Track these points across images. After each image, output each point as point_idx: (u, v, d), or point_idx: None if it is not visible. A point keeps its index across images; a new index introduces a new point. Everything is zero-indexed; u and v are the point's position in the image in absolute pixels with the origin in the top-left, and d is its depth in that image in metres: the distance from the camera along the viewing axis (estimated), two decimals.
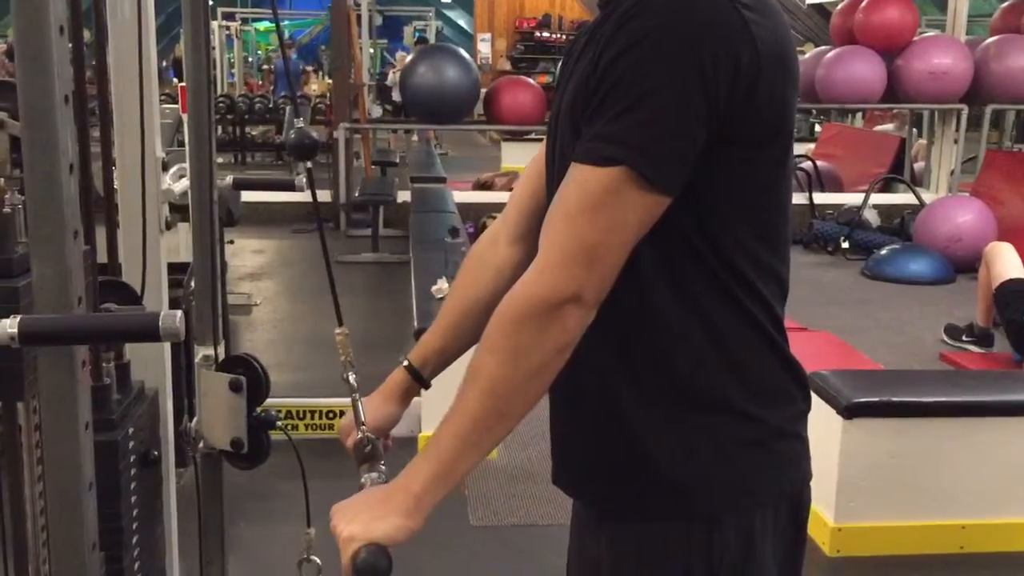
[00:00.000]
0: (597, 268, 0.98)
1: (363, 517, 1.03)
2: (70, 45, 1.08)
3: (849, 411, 2.89)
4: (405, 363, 1.31)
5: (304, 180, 2.57)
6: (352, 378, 1.27)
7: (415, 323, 3.87)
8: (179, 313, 0.98)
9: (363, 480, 1.17)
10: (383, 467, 1.20)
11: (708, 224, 1.03)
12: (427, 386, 1.33)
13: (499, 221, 1.32)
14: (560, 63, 1.23)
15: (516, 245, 1.28)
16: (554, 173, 1.11)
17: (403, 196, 7.68)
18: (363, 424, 1.25)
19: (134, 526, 1.64)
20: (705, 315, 1.05)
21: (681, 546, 1.07)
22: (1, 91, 1.37)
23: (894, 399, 2.97)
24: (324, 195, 7.90)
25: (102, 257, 1.78)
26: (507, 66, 17.78)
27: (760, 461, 1.09)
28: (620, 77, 0.96)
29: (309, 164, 1.37)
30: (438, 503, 1.05)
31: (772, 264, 1.08)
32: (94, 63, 1.90)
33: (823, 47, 8.91)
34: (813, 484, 1.16)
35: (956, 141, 8.21)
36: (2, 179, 1.33)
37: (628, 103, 0.96)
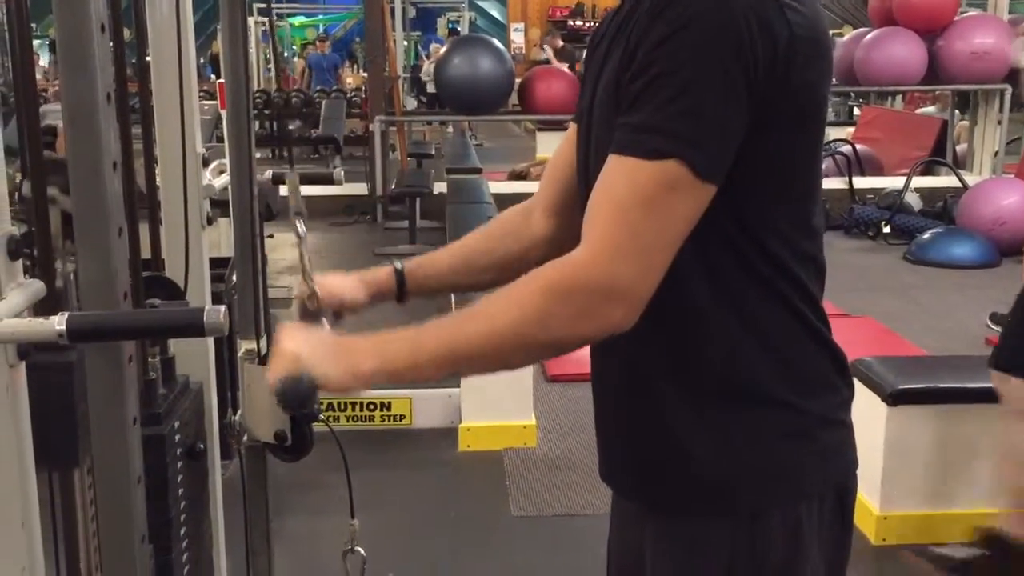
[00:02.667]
0: (651, 271, 0.96)
1: (316, 349, 1.02)
2: (111, 44, 1.09)
3: (893, 398, 2.85)
4: (397, 265, 1.27)
5: (342, 173, 2.59)
6: (300, 226, 1.21)
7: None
8: (223, 308, 0.99)
9: None
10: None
11: (742, 211, 1.01)
12: (400, 299, 1.27)
13: (534, 198, 1.32)
14: (587, 51, 1.22)
15: (551, 219, 1.27)
16: (589, 168, 1.09)
17: (439, 187, 7.70)
18: (311, 277, 1.19)
19: (182, 518, 1.66)
20: (742, 304, 1.04)
21: (725, 542, 1.06)
22: (52, 168, 1.41)
23: (939, 385, 2.93)
24: (361, 188, 7.95)
25: (146, 253, 1.80)
26: (541, 55, 17.72)
27: (804, 451, 1.08)
28: (662, 67, 0.95)
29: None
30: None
31: (807, 248, 1.07)
32: (134, 61, 1.92)
33: (862, 29, 8.78)
34: (858, 472, 1.15)
35: (999, 122, 8.06)
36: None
37: (672, 93, 0.94)
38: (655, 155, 0.95)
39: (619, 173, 0.97)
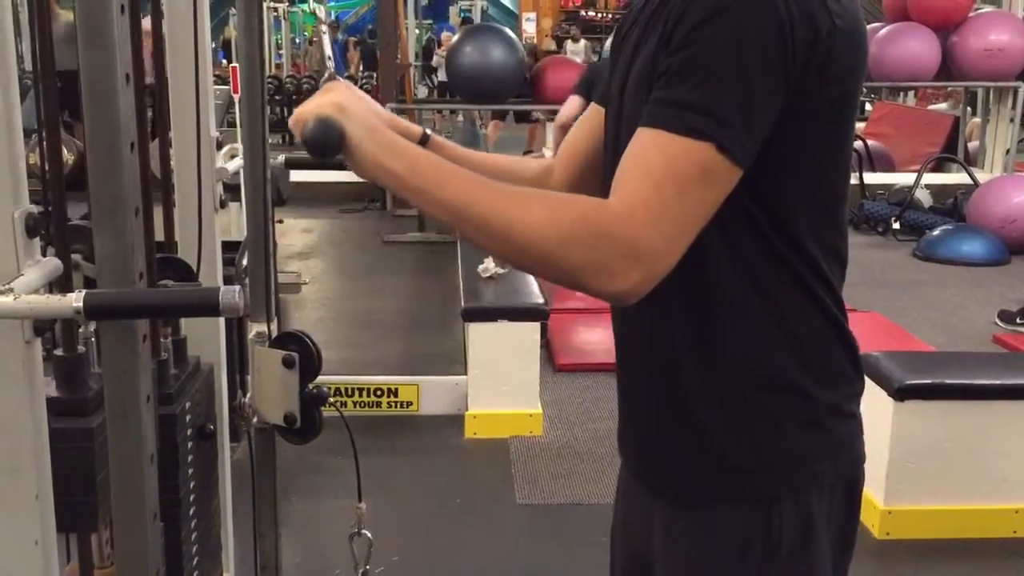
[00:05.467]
0: (676, 248, 0.95)
1: (361, 110, 1.00)
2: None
3: (901, 393, 2.86)
4: (427, 131, 1.26)
5: None
6: (321, 11, 1.19)
7: (462, 302, 3.89)
8: (238, 288, 0.99)
9: None
10: None
11: (769, 198, 1.01)
12: None
13: (553, 160, 1.31)
14: (615, 38, 1.21)
15: (567, 185, 1.27)
16: (619, 152, 1.09)
17: None
18: (330, 59, 1.18)
19: (191, 498, 1.67)
20: (766, 291, 1.04)
21: (739, 528, 1.07)
22: (75, 235, 1.43)
23: (946, 381, 2.93)
24: None
25: (159, 235, 1.82)
26: (552, 46, 17.66)
27: (817, 440, 1.08)
28: (703, 47, 0.94)
29: None
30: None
31: (832, 239, 1.07)
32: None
33: (876, 24, 8.74)
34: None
35: (1012, 120, 8.03)
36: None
37: (710, 73, 0.94)
38: (691, 133, 0.94)
39: (653, 145, 0.95)
